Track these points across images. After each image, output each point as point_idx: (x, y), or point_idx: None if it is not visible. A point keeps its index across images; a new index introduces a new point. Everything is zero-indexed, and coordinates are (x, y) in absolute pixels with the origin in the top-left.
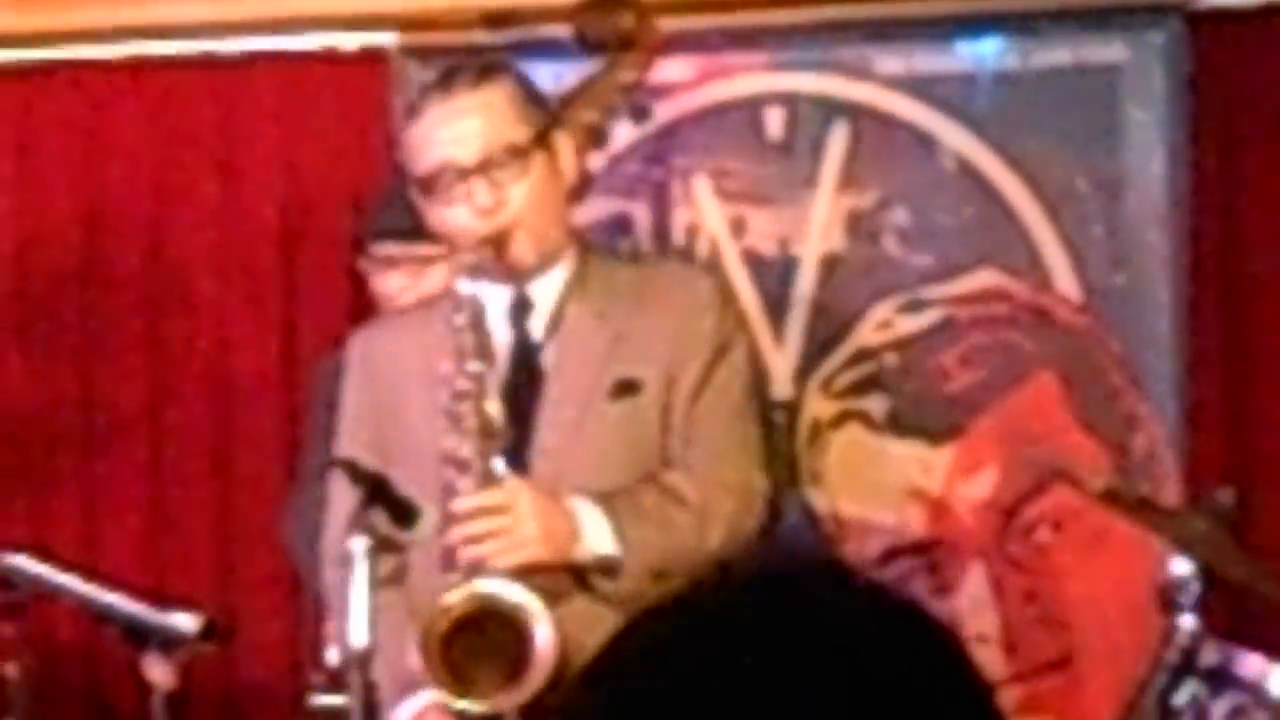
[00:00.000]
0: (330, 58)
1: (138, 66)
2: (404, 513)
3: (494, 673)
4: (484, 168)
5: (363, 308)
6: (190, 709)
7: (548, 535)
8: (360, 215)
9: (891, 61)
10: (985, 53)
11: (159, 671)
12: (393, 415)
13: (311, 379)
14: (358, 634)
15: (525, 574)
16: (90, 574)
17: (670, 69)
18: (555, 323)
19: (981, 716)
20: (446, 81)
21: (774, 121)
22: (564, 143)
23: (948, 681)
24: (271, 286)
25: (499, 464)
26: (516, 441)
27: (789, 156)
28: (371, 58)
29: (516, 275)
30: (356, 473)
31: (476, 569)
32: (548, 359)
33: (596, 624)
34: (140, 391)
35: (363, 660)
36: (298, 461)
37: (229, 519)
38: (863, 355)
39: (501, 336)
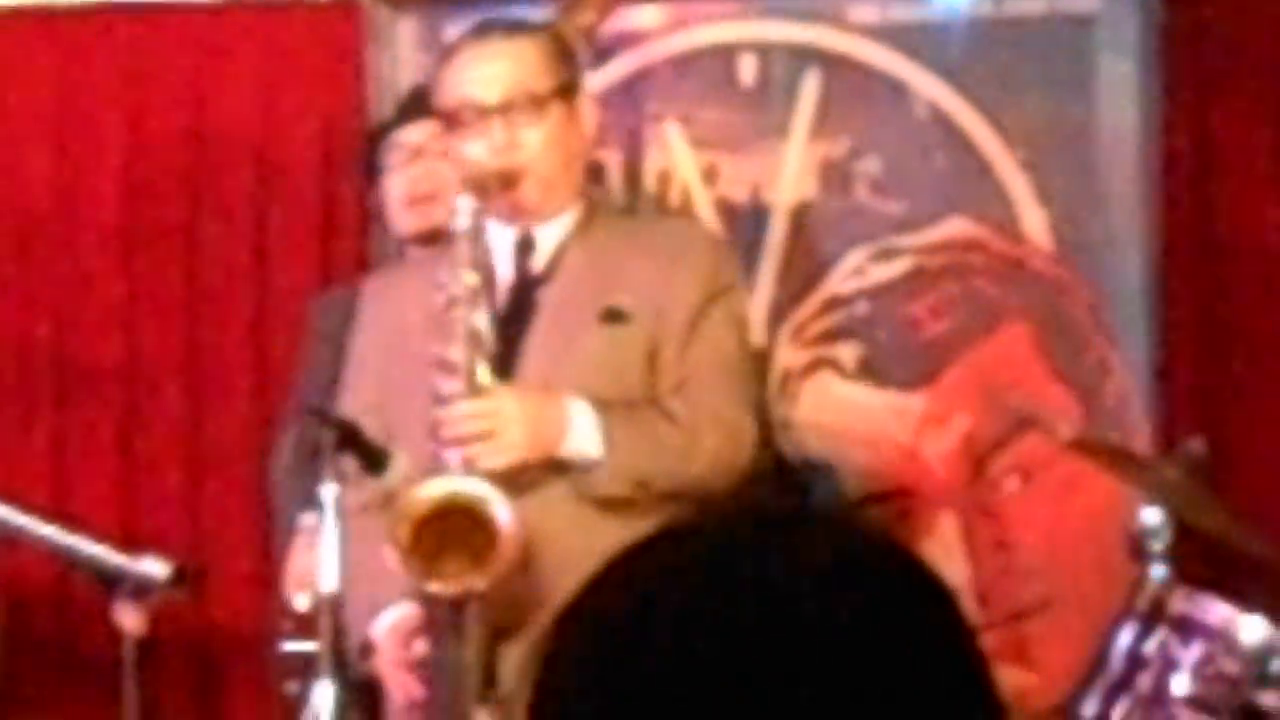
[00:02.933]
0: (303, 5)
1: (111, 12)
2: (374, 459)
3: (461, 557)
4: (503, 109)
5: (334, 255)
6: (160, 654)
7: (533, 437)
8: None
9: (865, 9)
10: (958, 1)
11: (129, 617)
12: (400, 359)
13: (310, 314)
14: (328, 580)
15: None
16: (61, 519)
17: (643, 16)
18: (555, 262)
19: (965, 662)
20: (483, 29)
21: (746, 69)
22: (587, 104)
23: (932, 626)
24: (244, 233)
25: (484, 371)
26: (506, 363)
27: (761, 104)
28: (344, 6)
29: (522, 216)
30: (326, 419)
31: (463, 471)
32: (544, 294)
33: (570, 512)
34: (112, 337)
35: (332, 605)
36: (289, 399)
37: (200, 464)
38: (834, 303)
39: (504, 272)
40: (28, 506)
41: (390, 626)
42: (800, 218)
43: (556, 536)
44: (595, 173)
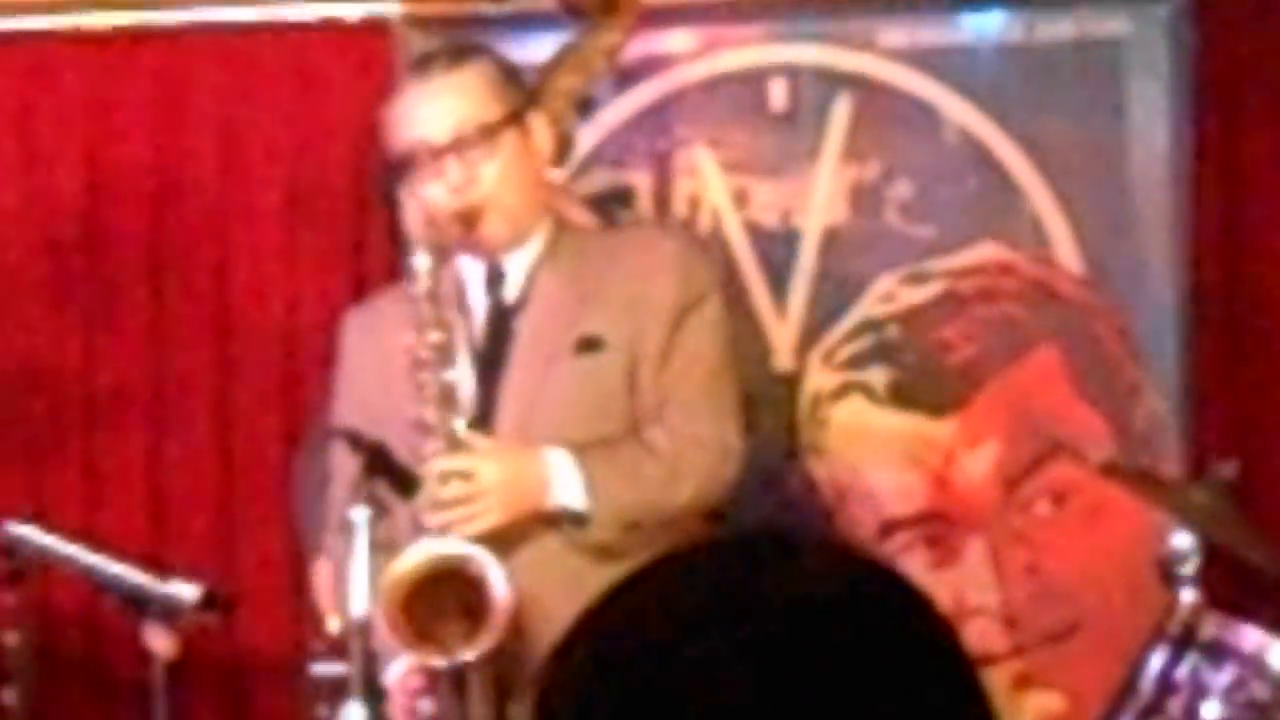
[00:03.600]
0: (333, 28)
1: (142, 35)
2: (404, 482)
3: (456, 626)
4: (456, 147)
5: (365, 276)
6: (191, 678)
7: (511, 499)
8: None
9: (895, 34)
10: (989, 25)
11: (160, 641)
12: (383, 390)
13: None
14: (358, 603)
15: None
16: (91, 543)
17: (674, 40)
18: (527, 289)
19: (964, 691)
20: (424, 64)
21: (777, 93)
22: (539, 123)
23: (926, 654)
24: (274, 256)
25: (460, 427)
26: (486, 400)
27: (792, 128)
28: (374, 28)
29: (490, 250)
30: (357, 442)
31: (444, 534)
32: (520, 323)
33: (565, 565)
34: (142, 360)
35: (363, 628)
36: (312, 420)
37: (230, 488)
38: (865, 327)
39: (479, 305)
40: (59, 529)
41: (398, 680)
42: (831, 242)
43: (553, 588)
44: (625, 196)
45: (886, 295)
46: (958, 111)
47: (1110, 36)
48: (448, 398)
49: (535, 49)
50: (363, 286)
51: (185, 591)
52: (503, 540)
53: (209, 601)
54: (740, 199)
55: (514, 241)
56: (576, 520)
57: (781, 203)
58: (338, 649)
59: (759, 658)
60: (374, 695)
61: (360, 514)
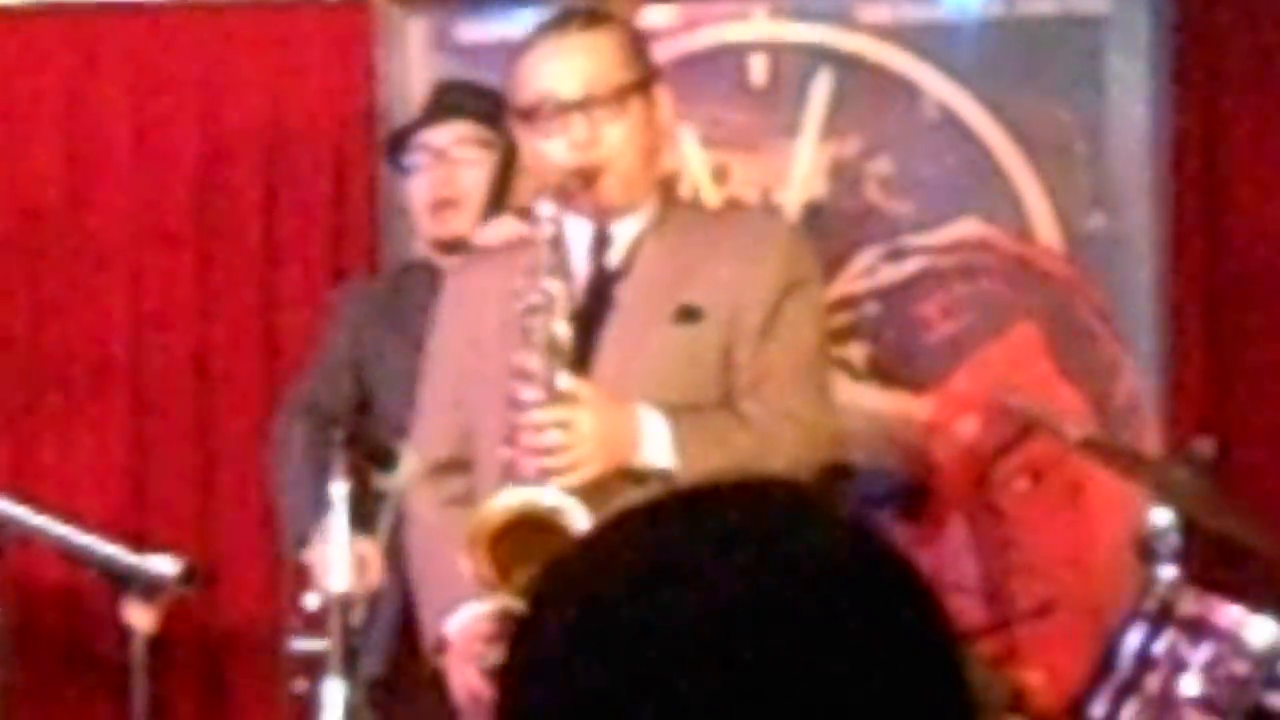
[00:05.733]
0: (313, 4)
1: (121, 12)
2: (381, 456)
3: (537, 568)
4: (584, 104)
5: (344, 255)
6: (170, 652)
7: (606, 450)
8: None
9: (876, 10)
10: (970, 2)
11: (139, 615)
12: (478, 357)
13: (331, 301)
14: (338, 578)
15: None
16: (71, 517)
17: (655, 15)
18: (631, 257)
19: (944, 662)
20: (560, 21)
21: (758, 69)
22: (664, 97)
23: (910, 619)
24: (253, 230)
25: (564, 379)
26: (582, 362)
27: (772, 104)
28: (354, 5)
29: (601, 212)
30: (328, 417)
31: (539, 482)
32: (620, 290)
33: None
34: (122, 334)
35: (342, 604)
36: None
37: (210, 462)
38: (844, 303)
39: (580, 267)
40: (37, 505)
41: (462, 626)
42: (811, 218)
43: None
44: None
45: (866, 271)
46: (938, 88)
47: (1092, 13)
48: (554, 347)
49: (518, 25)
50: (341, 263)
51: (164, 566)
52: (590, 494)
53: (188, 576)
54: (720, 175)
55: (625, 207)
56: (663, 479)
57: (761, 179)
58: (316, 624)
59: (733, 609)
60: (353, 670)
61: (338, 489)
